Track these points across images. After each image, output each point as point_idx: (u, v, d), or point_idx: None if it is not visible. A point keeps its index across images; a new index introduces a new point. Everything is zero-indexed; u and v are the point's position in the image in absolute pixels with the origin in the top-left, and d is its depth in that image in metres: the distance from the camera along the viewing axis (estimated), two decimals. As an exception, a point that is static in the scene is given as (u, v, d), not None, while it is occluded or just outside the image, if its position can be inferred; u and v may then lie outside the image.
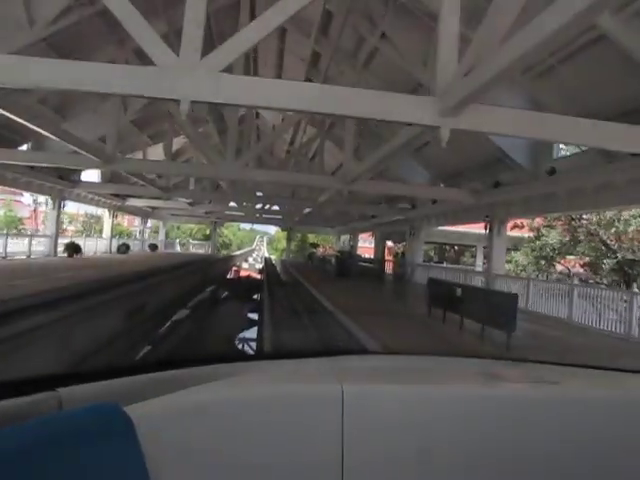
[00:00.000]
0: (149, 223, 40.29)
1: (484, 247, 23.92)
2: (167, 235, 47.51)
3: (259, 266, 52.92)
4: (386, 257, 29.10)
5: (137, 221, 40.00)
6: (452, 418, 1.05)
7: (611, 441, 1.08)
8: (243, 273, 45.89)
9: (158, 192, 20.88)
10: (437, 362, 1.61)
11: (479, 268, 26.59)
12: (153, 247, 33.19)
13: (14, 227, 34.74)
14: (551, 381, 1.24)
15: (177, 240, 46.25)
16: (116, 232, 42.85)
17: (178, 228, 55.14)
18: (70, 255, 20.68)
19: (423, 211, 20.04)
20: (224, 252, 56.36)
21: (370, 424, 1.01)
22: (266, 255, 67.35)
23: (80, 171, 20.02)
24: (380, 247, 29.76)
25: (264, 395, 1.02)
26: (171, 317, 16.52)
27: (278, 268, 39.71)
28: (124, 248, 26.96)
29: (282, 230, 46.38)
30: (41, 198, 32.48)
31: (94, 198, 23.95)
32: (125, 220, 46.90)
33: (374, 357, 1.86)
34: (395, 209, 21.99)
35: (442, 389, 1.16)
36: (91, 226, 41.79)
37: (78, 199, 23.02)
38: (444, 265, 30.13)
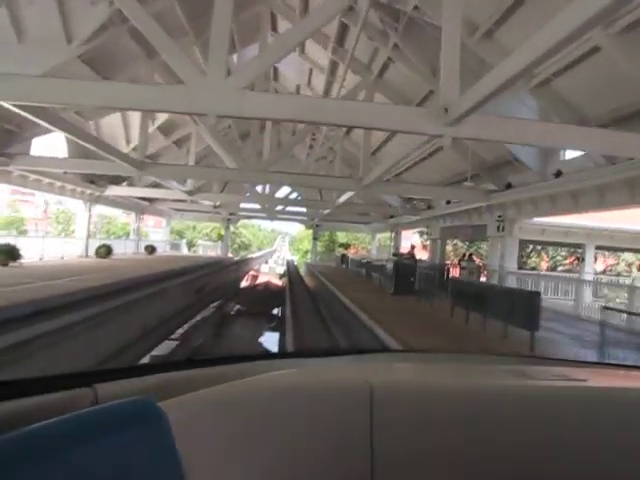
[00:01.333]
0: (163, 222, 36.25)
1: (596, 247, 21.50)
2: (182, 235, 44.82)
3: (280, 270, 47.78)
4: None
5: (164, 222, 36.44)
6: (478, 415, 1.06)
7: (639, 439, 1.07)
8: (261, 279, 40.26)
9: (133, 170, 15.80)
10: (463, 360, 1.61)
11: (589, 276, 19.77)
12: (150, 249, 28.66)
13: (14, 228, 33.73)
14: (578, 379, 1.23)
15: (184, 241, 41.46)
16: (119, 231, 40.49)
17: (194, 228, 50.75)
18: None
19: (521, 194, 14.12)
20: (242, 253, 53.35)
21: (398, 419, 1.02)
22: (288, 257, 62.01)
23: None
24: (439, 248, 22.89)
25: (295, 390, 1.04)
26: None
27: (303, 273, 33.72)
28: (104, 251, 21.82)
29: (306, 228, 40.05)
30: (52, 198, 31.84)
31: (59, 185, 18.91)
32: (150, 220, 43.91)
33: (401, 355, 1.85)
34: (477, 192, 15.71)
35: (468, 386, 1.17)
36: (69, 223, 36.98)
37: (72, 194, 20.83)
38: (541, 273, 23.18)
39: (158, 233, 41.31)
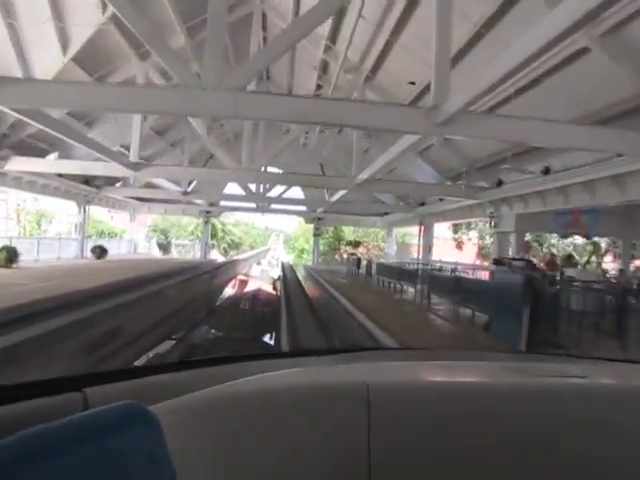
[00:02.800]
0: (143, 219, 31.88)
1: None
2: (166, 234, 39.31)
3: (274, 274, 39.58)
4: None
5: (149, 220, 33.16)
6: (478, 413, 1.05)
7: None
8: (250, 286, 33.31)
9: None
10: (461, 357, 1.60)
11: None
12: (99, 252, 22.27)
13: None
14: (578, 375, 1.21)
15: (154, 239, 35.06)
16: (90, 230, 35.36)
17: (178, 226, 43.73)
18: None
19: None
20: (232, 253, 48.30)
21: (396, 418, 1.02)
22: (283, 257, 53.46)
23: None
24: (513, 246, 15.94)
25: (290, 390, 1.03)
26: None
27: (303, 279, 24.16)
28: (3, 255, 15.35)
29: (306, 222, 32.76)
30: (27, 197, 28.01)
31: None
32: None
33: (397, 352, 1.84)
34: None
35: (467, 384, 1.17)
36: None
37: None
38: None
39: (142, 232, 37.71)
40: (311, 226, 31.88)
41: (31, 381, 0.95)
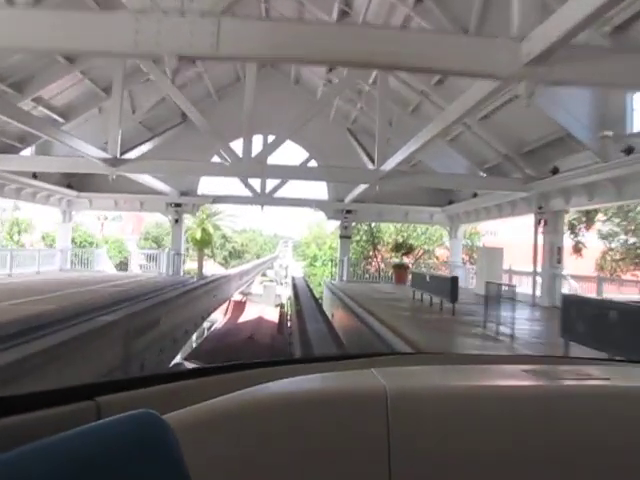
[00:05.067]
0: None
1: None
2: (158, 242, 31.91)
3: (283, 292, 31.98)
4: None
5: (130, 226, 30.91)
6: (499, 417, 1.02)
7: None
8: (246, 315, 25.35)
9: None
10: (480, 361, 1.50)
11: None
12: None
13: None
14: (601, 377, 1.20)
15: (103, 250, 24.58)
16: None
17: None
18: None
19: None
20: (234, 263, 43.88)
21: (416, 423, 0.99)
22: (292, 268, 43.52)
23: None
24: None
25: (307, 395, 1.02)
26: None
27: (331, 311, 16.91)
28: None
29: (328, 218, 21.59)
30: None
31: None
32: (129, 224, 36.77)
33: (412, 357, 1.71)
34: None
35: (487, 388, 1.12)
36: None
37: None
38: None
39: (133, 240, 34.62)
40: (324, 229, 26.64)
41: (43, 390, 0.92)
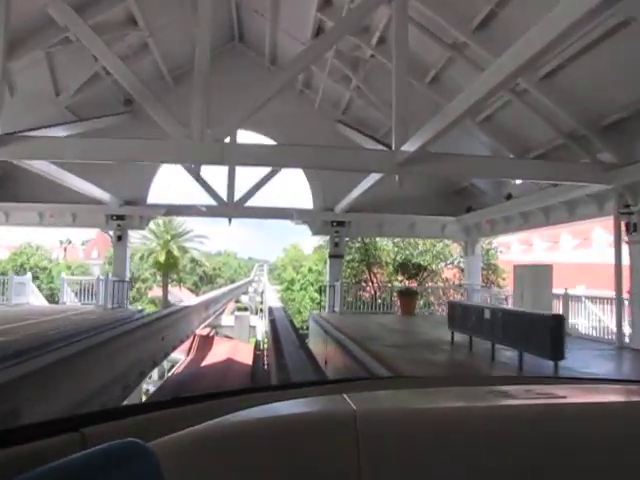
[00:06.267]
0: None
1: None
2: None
3: (258, 324, 30.71)
4: None
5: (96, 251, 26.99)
6: (467, 437, 1.06)
7: (624, 449, 1.09)
8: (212, 356, 23.64)
9: None
10: (448, 383, 1.61)
11: None
12: None
13: None
14: (558, 395, 1.27)
15: (27, 277, 18.92)
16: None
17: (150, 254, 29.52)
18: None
19: None
20: (205, 289, 41.30)
21: (385, 446, 1.02)
22: (270, 297, 39.33)
23: None
24: None
25: (281, 422, 1.05)
26: None
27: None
28: None
29: (313, 234, 17.51)
30: None
31: None
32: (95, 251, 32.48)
33: (385, 381, 1.85)
34: None
35: (452, 410, 1.18)
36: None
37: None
38: None
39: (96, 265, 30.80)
40: (301, 251, 21.73)
41: (28, 424, 0.98)
